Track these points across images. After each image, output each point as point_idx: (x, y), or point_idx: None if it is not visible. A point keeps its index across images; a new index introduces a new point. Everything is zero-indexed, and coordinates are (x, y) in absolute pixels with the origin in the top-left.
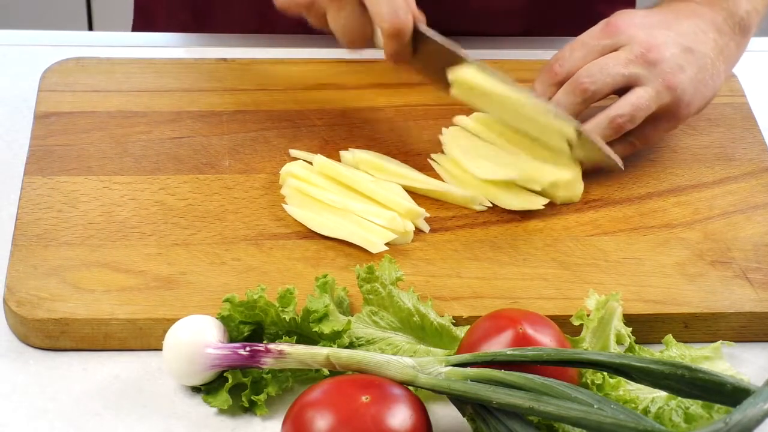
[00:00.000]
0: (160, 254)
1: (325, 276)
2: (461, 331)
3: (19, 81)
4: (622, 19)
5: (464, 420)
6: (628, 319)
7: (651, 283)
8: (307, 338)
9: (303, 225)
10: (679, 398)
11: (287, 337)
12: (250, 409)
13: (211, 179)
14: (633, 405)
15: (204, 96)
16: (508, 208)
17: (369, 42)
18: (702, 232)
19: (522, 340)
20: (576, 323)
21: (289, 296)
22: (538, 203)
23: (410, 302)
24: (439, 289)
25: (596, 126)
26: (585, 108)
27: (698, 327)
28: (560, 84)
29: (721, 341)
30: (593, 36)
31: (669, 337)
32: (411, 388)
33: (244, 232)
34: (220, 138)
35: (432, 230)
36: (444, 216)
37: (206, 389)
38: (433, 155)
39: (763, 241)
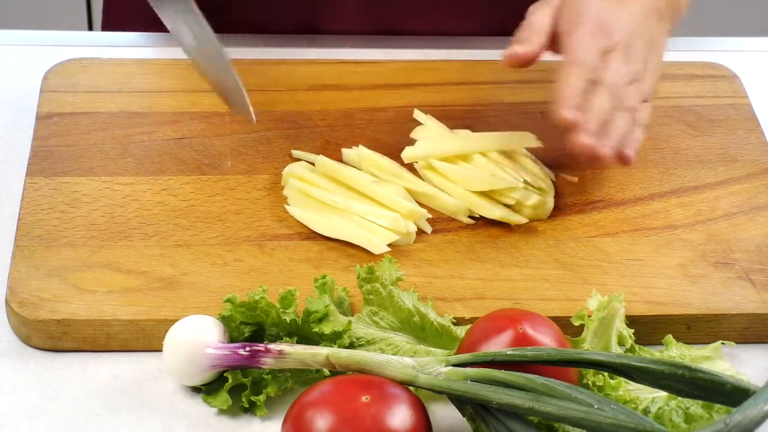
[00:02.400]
0: (163, 255)
1: (324, 277)
2: (461, 331)
3: (21, 81)
4: (596, 16)
5: (464, 420)
6: (631, 321)
7: (653, 284)
8: (308, 339)
9: (305, 226)
10: (680, 398)
11: (288, 338)
12: (250, 409)
13: (213, 180)
14: (633, 405)
15: (206, 97)
16: (490, 217)
17: None
18: (704, 234)
19: (522, 340)
20: (576, 323)
21: (290, 297)
22: (518, 219)
23: (410, 302)
24: (441, 290)
25: (622, 117)
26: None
27: (701, 328)
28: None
29: (721, 341)
30: (589, 41)
31: (669, 337)
32: (411, 388)
33: (246, 233)
34: (222, 139)
35: (434, 231)
36: (446, 217)
37: (206, 389)
38: (416, 163)
39: (765, 242)
